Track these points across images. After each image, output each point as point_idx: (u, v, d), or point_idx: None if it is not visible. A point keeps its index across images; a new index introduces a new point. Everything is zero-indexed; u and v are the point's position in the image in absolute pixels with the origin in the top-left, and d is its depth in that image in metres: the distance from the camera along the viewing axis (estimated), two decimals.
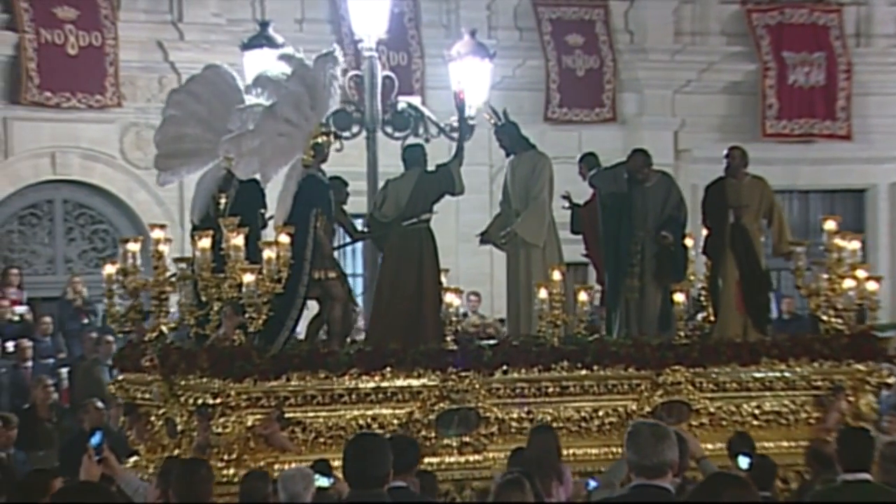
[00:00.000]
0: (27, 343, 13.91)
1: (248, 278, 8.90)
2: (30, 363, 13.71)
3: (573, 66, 18.79)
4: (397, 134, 11.11)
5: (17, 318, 14.85)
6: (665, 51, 19.32)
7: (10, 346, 14.00)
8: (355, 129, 10.93)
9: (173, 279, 9.66)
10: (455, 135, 11.15)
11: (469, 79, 11.33)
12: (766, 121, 19.55)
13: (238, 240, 9.05)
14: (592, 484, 7.75)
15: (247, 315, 8.95)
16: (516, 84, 18.15)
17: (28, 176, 16.47)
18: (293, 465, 8.38)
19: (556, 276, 9.93)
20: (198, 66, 17.13)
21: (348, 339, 10.30)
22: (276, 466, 8.77)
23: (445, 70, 11.89)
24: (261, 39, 11.02)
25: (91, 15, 16.17)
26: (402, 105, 11.12)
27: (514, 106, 18.43)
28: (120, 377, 10.10)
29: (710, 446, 9.12)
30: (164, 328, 9.48)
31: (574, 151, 18.76)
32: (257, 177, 9.63)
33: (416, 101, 11.73)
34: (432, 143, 11.28)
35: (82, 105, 15.80)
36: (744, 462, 7.84)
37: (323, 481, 7.38)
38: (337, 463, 6.69)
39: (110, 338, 13.33)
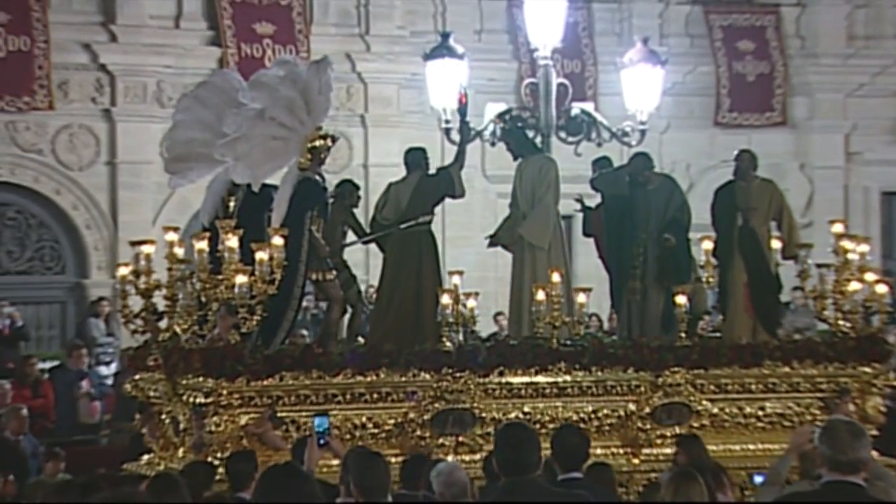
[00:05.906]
0: None
1: (241, 279, 8.85)
2: None
3: (743, 71, 18.92)
4: (571, 139, 11.23)
5: None
6: (837, 55, 19.26)
7: None
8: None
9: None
10: (626, 139, 11.40)
11: (641, 85, 11.48)
12: None
13: (233, 241, 8.95)
14: (758, 479, 7.65)
15: (240, 316, 8.89)
16: (687, 90, 18.45)
17: None
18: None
19: (556, 278, 9.75)
20: (383, 77, 18.14)
21: (360, 339, 10.35)
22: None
23: (617, 77, 12.01)
24: (442, 50, 11.15)
25: (286, 30, 17.04)
26: (575, 111, 11.28)
27: (684, 111, 18.96)
28: (136, 376, 10.04)
29: (713, 448, 8.88)
30: (177, 328, 9.31)
31: None
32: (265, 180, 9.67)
33: (589, 106, 11.79)
34: (605, 146, 11.49)
35: None
36: None
37: None
38: None
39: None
